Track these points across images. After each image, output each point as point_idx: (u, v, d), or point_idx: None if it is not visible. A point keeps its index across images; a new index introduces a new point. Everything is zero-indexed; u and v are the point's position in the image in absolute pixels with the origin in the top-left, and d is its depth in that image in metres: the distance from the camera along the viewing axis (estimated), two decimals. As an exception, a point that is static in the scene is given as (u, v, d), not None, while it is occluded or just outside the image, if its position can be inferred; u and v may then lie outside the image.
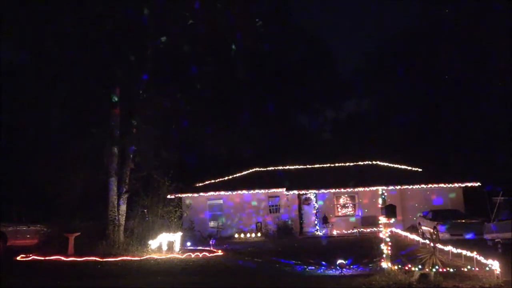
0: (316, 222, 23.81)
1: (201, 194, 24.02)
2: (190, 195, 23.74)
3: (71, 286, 11.43)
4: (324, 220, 23.48)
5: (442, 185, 22.83)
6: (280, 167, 27.22)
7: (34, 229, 17.93)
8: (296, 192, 23.83)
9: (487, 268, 10.66)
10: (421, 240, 16.50)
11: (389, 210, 11.83)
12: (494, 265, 10.44)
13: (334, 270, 12.42)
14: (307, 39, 38.79)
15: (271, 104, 36.16)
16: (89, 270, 13.44)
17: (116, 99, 18.05)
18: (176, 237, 17.07)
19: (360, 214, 24.13)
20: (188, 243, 19.13)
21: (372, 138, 34.38)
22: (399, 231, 19.97)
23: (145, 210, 19.11)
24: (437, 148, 31.18)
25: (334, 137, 41.23)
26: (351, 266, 12.89)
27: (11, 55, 18.56)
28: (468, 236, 17.48)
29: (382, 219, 12.05)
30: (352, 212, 24.40)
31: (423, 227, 20.26)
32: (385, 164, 25.98)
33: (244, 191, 24.07)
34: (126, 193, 18.34)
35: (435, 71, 32.47)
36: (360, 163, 26.71)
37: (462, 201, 22.81)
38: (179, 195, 22.75)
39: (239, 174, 26.19)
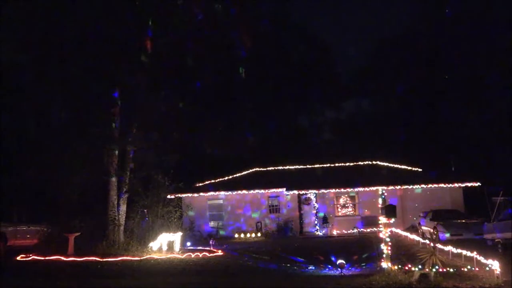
0: (316, 222, 23.81)
1: (201, 194, 24.02)
2: (190, 195, 23.73)
3: (71, 286, 11.44)
4: (324, 220, 23.47)
5: (442, 185, 22.83)
6: (280, 167, 27.21)
7: (34, 229, 17.94)
8: (296, 192, 23.83)
9: (487, 268, 10.66)
10: (421, 240, 16.50)
11: (389, 210, 11.82)
12: (494, 265, 10.43)
13: (334, 270, 12.41)
14: (307, 39, 38.79)
15: (271, 104, 36.17)
16: (89, 270, 13.43)
17: (116, 99, 18.05)
18: (176, 237, 17.06)
19: (360, 214, 24.11)
20: (188, 243, 19.12)
21: (372, 138, 34.37)
22: (399, 231, 19.97)
23: (145, 210, 19.11)
24: (437, 148, 31.18)
25: (334, 137, 41.26)
26: (351, 266, 12.89)
27: (12, 55, 18.54)
28: (468, 236, 17.48)
29: (382, 219, 12.05)
30: (352, 212, 24.40)
31: (423, 227, 20.26)
32: (385, 164, 25.98)
33: (244, 191, 24.06)
34: (126, 193, 18.33)
35: (435, 70, 32.47)
36: (360, 163, 26.70)
37: (462, 201, 22.80)
38: (179, 195, 22.74)
39: (239, 174, 26.18)
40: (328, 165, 26.89)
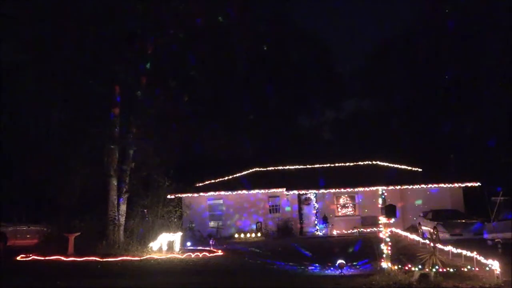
0: (316, 222, 23.80)
1: (201, 194, 24.01)
2: (190, 195, 23.72)
3: (71, 286, 11.43)
4: (324, 220, 23.47)
5: (442, 185, 22.82)
6: (280, 167, 27.20)
7: (34, 229, 17.95)
8: (296, 192, 23.82)
9: (487, 268, 10.65)
10: (421, 240, 16.49)
11: (389, 210, 11.82)
12: (494, 265, 10.43)
13: (334, 270, 12.41)
14: (307, 39, 38.77)
15: (271, 104, 36.16)
16: (89, 270, 13.45)
17: (116, 99, 18.05)
18: (176, 237, 17.07)
19: (360, 214, 24.10)
20: (188, 243, 19.13)
21: (372, 138, 34.36)
22: (399, 231, 19.96)
23: (145, 210, 19.11)
24: (437, 148, 31.16)
25: (334, 137, 41.24)
26: (351, 266, 12.89)
27: (11, 55, 18.57)
28: (468, 236, 17.48)
29: (382, 219, 12.04)
30: (352, 212, 24.39)
31: (423, 227, 20.26)
32: (385, 164, 25.97)
33: (244, 191, 24.05)
34: (126, 193, 18.34)
35: (435, 70, 32.46)
36: (360, 163, 26.69)
37: (462, 201, 22.79)
38: (179, 195, 22.74)
39: (239, 174, 26.17)
40: (328, 165, 26.88)
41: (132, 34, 17.79)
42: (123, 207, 18.29)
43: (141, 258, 15.20)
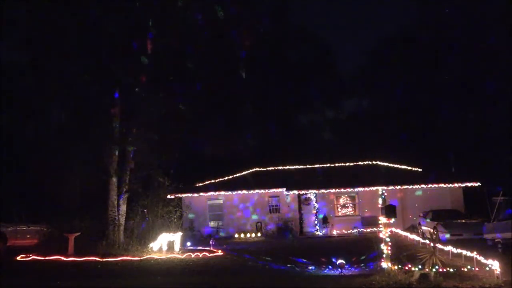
0: (316, 222, 23.80)
1: (201, 194, 24.00)
2: (190, 195, 23.71)
3: (71, 286, 11.45)
4: (324, 220, 23.46)
5: (442, 185, 22.82)
6: (280, 167, 27.19)
7: (34, 229, 17.95)
8: (296, 192, 23.82)
9: (487, 268, 10.67)
10: (421, 240, 16.50)
11: (389, 210, 11.82)
12: (494, 265, 10.44)
13: (334, 270, 12.42)
14: (307, 39, 38.75)
15: (271, 104, 36.14)
16: (89, 270, 13.46)
17: (116, 99, 18.05)
18: (176, 237, 17.07)
19: (360, 214, 24.09)
20: (188, 243, 19.12)
21: (372, 138, 34.34)
22: (399, 231, 19.97)
23: (145, 210, 19.12)
24: (437, 148, 31.15)
25: (334, 137, 41.19)
26: (351, 266, 12.89)
27: (11, 55, 18.60)
28: (468, 236, 17.48)
29: (382, 219, 12.05)
30: (352, 212, 24.39)
31: (423, 227, 20.26)
32: (385, 164, 25.96)
33: (244, 191, 24.05)
34: (126, 193, 18.34)
35: (435, 70, 32.46)
36: (360, 163, 26.67)
37: (462, 201, 22.79)
38: (179, 195, 22.74)
39: (239, 174, 26.16)
40: (328, 165, 26.86)
41: (132, 33, 17.79)
42: (123, 207, 18.30)
43: (141, 258, 15.21)
